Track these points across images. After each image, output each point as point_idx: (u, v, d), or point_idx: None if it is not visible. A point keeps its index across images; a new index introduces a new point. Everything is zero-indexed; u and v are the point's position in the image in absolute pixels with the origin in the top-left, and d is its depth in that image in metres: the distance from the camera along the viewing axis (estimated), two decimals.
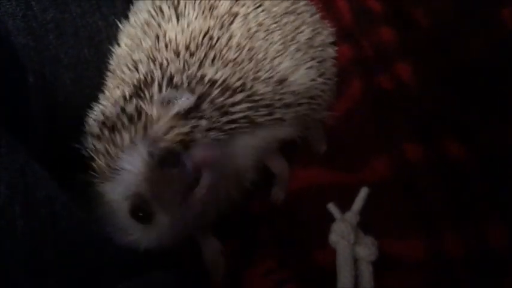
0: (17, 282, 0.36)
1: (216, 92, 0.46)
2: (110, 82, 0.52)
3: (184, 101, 0.44)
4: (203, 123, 0.44)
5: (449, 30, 0.68)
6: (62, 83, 0.50)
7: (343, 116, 0.64)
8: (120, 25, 0.56)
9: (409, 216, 0.57)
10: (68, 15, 0.51)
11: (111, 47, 0.55)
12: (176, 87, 0.45)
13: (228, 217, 0.55)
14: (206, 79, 0.46)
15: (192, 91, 0.45)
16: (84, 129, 0.49)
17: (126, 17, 0.57)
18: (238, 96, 0.47)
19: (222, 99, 0.46)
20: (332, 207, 0.57)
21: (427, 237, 0.55)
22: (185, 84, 0.46)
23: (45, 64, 0.49)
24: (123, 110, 0.45)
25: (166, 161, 0.43)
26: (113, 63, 0.54)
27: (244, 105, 0.47)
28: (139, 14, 0.54)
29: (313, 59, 0.54)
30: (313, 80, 0.53)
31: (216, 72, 0.47)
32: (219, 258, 0.58)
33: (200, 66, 0.47)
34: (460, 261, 0.53)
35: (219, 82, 0.47)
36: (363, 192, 0.57)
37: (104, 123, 0.45)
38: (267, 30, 0.51)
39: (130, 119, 0.44)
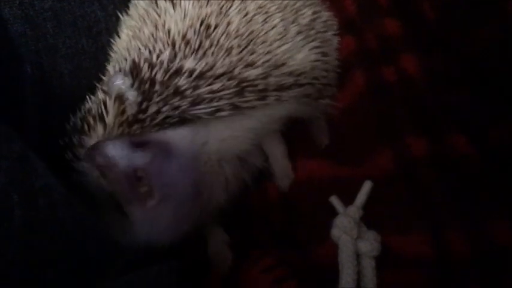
0: (13, 272, 0.36)
1: (182, 79, 0.45)
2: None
3: (117, 83, 0.44)
4: (131, 95, 0.43)
5: (456, 23, 0.67)
6: (59, 74, 0.50)
7: (345, 108, 0.63)
8: (120, 15, 0.55)
9: (412, 212, 0.55)
10: (66, 4, 0.50)
11: (110, 38, 0.54)
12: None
13: (227, 212, 0.54)
14: (172, 67, 0.46)
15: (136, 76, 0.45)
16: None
17: (126, 7, 0.56)
18: (217, 85, 0.46)
19: (188, 85, 0.46)
20: (335, 201, 0.56)
21: (431, 233, 0.54)
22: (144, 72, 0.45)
23: (43, 54, 0.48)
24: (89, 111, 0.46)
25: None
26: (113, 55, 0.53)
27: (226, 92, 0.46)
28: (138, 6, 0.54)
29: (314, 40, 0.53)
30: (315, 60, 0.53)
31: (193, 62, 0.46)
32: (226, 251, 0.57)
33: (192, 54, 0.47)
34: (465, 258, 0.51)
35: (196, 72, 0.46)
36: (366, 186, 0.56)
37: (75, 129, 0.46)
38: (267, 12, 0.51)
39: (94, 118, 0.45)
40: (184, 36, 0.47)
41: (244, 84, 0.47)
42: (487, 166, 0.56)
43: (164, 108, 0.45)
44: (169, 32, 0.48)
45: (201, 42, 0.47)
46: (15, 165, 0.38)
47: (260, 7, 0.50)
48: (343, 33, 0.65)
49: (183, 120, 0.46)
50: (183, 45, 0.47)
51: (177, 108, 0.45)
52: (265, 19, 0.50)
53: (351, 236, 0.51)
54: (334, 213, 0.55)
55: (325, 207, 0.57)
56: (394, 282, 0.51)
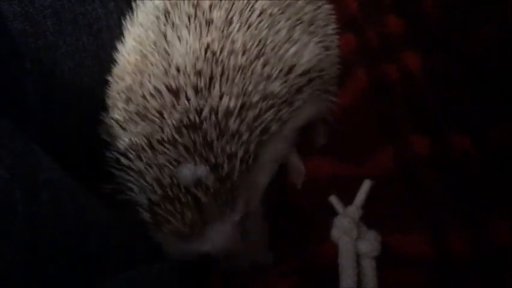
0: (14, 268, 0.35)
1: (234, 121, 0.45)
2: (125, 103, 0.50)
3: (201, 173, 0.44)
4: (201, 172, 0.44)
5: (456, 23, 0.67)
6: (59, 71, 0.49)
7: (346, 106, 0.63)
8: (123, 20, 0.54)
9: (412, 212, 0.55)
10: (66, 2, 0.50)
11: (111, 36, 0.54)
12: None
13: None
14: (220, 112, 0.45)
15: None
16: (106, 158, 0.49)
17: (128, 5, 0.56)
18: (255, 111, 0.47)
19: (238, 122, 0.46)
20: (334, 200, 0.56)
21: (431, 233, 0.54)
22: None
23: (43, 51, 0.48)
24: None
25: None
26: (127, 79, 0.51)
27: (267, 115, 0.47)
28: (149, 32, 0.52)
29: (317, 35, 0.54)
30: (319, 53, 0.53)
31: (229, 99, 0.46)
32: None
33: (210, 87, 0.46)
34: (465, 258, 0.52)
35: (236, 110, 0.46)
36: (366, 185, 0.55)
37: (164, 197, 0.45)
38: (271, 15, 0.50)
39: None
40: (194, 67, 0.47)
41: (273, 100, 0.48)
42: (487, 166, 0.56)
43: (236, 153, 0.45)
44: (179, 69, 0.47)
45: (212, 71, 0.46)
46: (18, 160, 0.37)
47: (262, 12, 0.50)
48: (345, 31, 0.64)
49: None
50: (196, 80, 0.46)
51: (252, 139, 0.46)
52: (269, 24, 0.50)
53: (351, 237, 0.51)
54: (333, 212, 0.56)
55: (324, 206, 0.57)
56: (394, 281, 0.52)
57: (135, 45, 0.53)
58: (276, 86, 0.48)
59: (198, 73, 0.46)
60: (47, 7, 0.48)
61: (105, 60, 0.54)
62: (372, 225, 0.54)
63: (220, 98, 0.45)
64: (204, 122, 0.44)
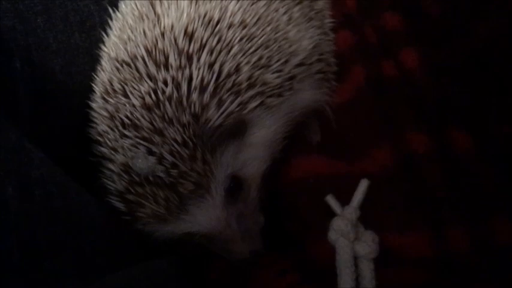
0: (12, 264, 0.36)
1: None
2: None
3: (151, 163, 0.43)
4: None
5: (458, 18, 0.66)
6: (50, 69, 0.49)
7: (344, 104, 0.62)
8: (111, 11, 0.53)
9: (412, 210, 0.55)
10: None
11: (104, 33, 0.53)
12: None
13: None
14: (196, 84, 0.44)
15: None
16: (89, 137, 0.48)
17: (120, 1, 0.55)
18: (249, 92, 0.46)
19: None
20: (331, 200, 0.55)
21: (431, 231, 0.53)
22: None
23: (33, 49, 0.47)
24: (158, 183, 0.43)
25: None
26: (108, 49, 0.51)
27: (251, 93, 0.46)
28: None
29: (313, 20, 0.53)
30: (318, 40, 0.53)
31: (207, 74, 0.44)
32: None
33: (199, 52, 0.45)
34: (465, 258, 0.51)
35: (210, 83, 0.44)
36: (363, 185, 0.54)
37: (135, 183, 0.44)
38: None
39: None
40: (186, 31, 0.45)
41: (265, 87, 0.47)
42: (488, 164, 0.55)
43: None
44: (165, 30, 0.46)
45: (208, 38, 0.45)
46: (11, 156, 0.37)
47: None
48: (342, 27, 0.63)
49: None
50: (186, 43, 0.45)
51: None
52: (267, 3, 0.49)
53: (348, 239, 0.50)
54: (331, 211, 0.55)
55: (322, 205, 0.56)
56: (394, 281, 0.51)
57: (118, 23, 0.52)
58: (271, 77, 0.47)
59: (189, 36, 0.45)
60: (37, 4, 0.47)
61: (98, 58, 0.53)
62: (371, 225, 0.53)
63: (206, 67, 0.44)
64: (167, 101, 0.43)
